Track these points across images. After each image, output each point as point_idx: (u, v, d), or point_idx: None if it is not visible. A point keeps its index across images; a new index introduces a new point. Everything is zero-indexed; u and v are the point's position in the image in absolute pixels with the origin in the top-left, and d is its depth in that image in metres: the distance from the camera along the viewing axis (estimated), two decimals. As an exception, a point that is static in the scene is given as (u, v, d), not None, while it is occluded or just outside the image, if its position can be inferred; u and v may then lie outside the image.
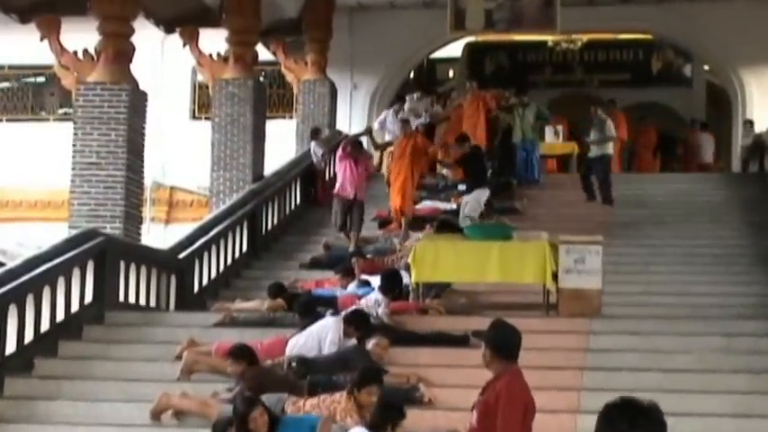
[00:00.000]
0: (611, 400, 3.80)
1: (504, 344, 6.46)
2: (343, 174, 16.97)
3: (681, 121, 28.25)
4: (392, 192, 17.29)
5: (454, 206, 17.50)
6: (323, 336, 11.22)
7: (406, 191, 17.02)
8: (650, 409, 3.75)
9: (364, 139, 18.57)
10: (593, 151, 19.30)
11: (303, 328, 11.64)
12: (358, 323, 11.22)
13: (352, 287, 13.82)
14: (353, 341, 11.15)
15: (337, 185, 17.08)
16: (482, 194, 16.27)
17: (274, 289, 13.68)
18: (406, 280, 13.19)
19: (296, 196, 19.83)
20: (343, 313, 11.88)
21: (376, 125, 21.28)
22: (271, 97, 25.73)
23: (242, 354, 10.61)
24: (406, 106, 21.44)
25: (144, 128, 16.57)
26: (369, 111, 25.45)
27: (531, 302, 13.06)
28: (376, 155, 21.11)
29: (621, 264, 15.28)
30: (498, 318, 6.86)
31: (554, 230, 13.83)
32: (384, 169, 20.00)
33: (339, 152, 17.27)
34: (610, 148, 19.39)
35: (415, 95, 22.25)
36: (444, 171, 19.87)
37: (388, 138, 20.30)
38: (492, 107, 20.87)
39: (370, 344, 10.95)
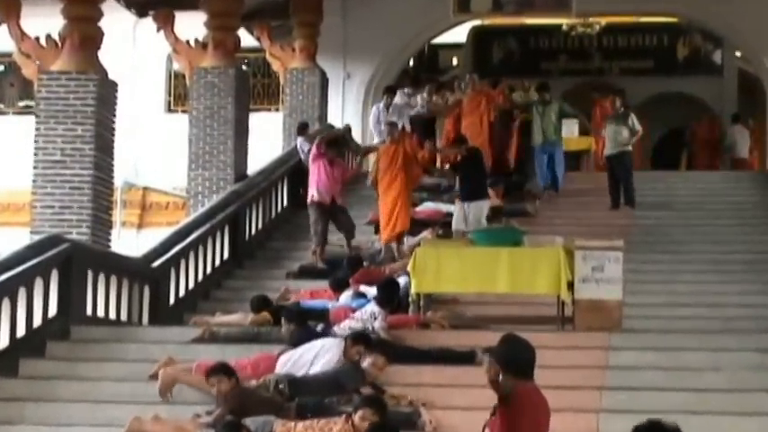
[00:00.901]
0: (639, 422, 3.95)
1: (515, 360, 6.49)
2: (317, 176, 16.55)
3: (711, 113, 28.28)
4: (383, 209, 16.25)
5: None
6: (320, 355, 11.20)
7: (400, 212, 16.03)
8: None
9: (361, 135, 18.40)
10: (612, 148, 19.12)
11: (294, 343, 11.64)
12: (357, 341, 11.19)
13: (345, 298, 13.83)
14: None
15: (310, 191, 16.58)
16: (483, 208, 15.85)
17: (257, 303, 13.68)
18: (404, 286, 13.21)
19: (283, 197, 19.83)
20: (336, 329, 11.90)
21: (372, 125, 20.82)
22: (255, 88, 25.74)
23: (221, 372, 10.62)
24: (397, 100, 21.11)
25: (114, 122, 16.57)
26: (363, 102, 25.43)
27: (543, 315, 13.07)
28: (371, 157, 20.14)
29: (644, 272, 15.29)
30: (509, 332, 6.89)
31: (569, 235, 13.84)
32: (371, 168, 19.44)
33: (312, 150, 16.97)
34: (630, 145, 19.28)
35: (406, 90, 21.92)
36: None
37: (377, 140, 19.91)
38: (499, 102, 20.39)
39: (366, 362, 10.96)
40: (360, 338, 11.27)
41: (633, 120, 19.22)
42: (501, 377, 6.45)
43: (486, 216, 16.03)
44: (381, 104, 21.12)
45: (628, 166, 19.05)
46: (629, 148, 19.25)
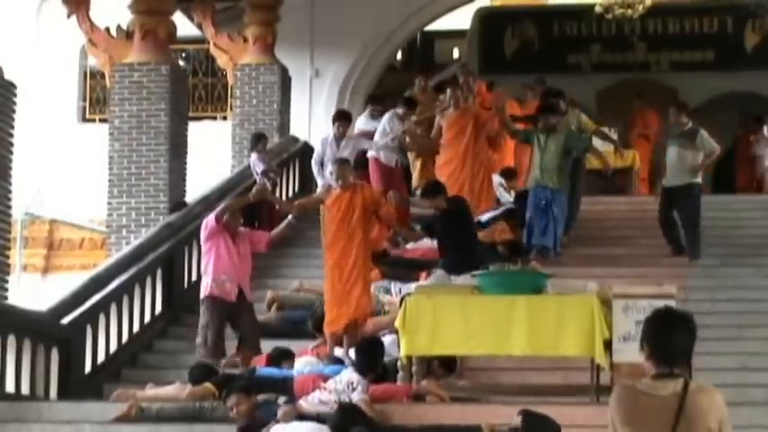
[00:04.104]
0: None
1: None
2: (214, 260, 15.22)
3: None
4: (328, 288, 14.92)
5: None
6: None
7: (353, 290, 14.67)
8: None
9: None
10: (674, 178, 18.28)
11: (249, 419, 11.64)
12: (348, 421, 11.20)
13: (301, 365, 13.81)
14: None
15: (206, 281, 15.25)
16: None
17: (198, 372, 13.64)
18: (393, 353, 13.23)
19: (232, 232, 19.84)
20: (303, 403, 11.90)
21: (315, 167, 19.61)
22: (195, 89, 25.81)
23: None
24: (361, 124, 20.46)
25: (11, 135, 16.57)
26: (336, 108, 25.48)
27: (573, 384, 13.08)
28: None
29: (704, 326, 15.18)
30: (525, 408, 6.93)
31: (605, 279, 13.87)
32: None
33: (208, 225, 15.46)
34: (699, 175, 18.44)
35: (370, 108, 21.08)
36: None
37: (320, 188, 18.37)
38: (493, 129, 18.62)
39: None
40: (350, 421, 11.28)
41: (703, 138, 18.26)
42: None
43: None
44: (330, 135, 19.18)
45: (696, 204, 18.18)
46: (699, 178, 18.40)
